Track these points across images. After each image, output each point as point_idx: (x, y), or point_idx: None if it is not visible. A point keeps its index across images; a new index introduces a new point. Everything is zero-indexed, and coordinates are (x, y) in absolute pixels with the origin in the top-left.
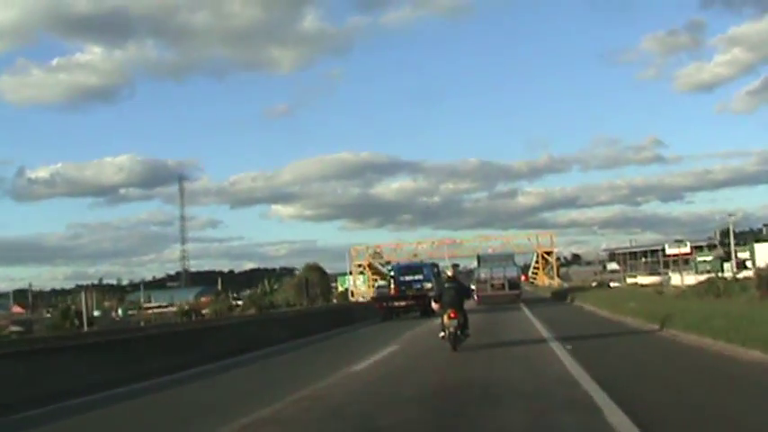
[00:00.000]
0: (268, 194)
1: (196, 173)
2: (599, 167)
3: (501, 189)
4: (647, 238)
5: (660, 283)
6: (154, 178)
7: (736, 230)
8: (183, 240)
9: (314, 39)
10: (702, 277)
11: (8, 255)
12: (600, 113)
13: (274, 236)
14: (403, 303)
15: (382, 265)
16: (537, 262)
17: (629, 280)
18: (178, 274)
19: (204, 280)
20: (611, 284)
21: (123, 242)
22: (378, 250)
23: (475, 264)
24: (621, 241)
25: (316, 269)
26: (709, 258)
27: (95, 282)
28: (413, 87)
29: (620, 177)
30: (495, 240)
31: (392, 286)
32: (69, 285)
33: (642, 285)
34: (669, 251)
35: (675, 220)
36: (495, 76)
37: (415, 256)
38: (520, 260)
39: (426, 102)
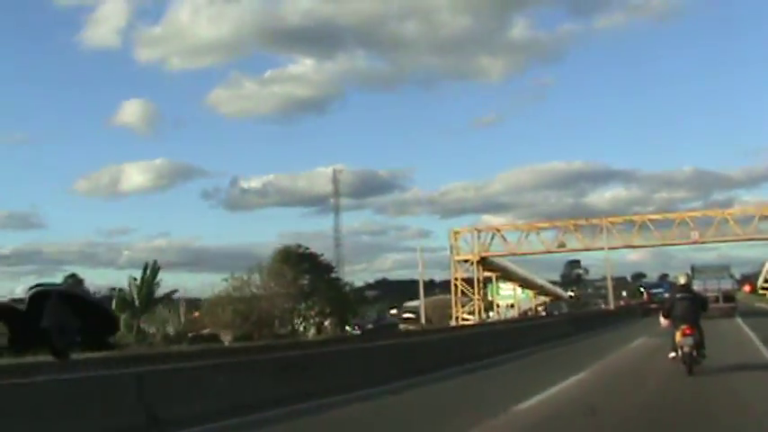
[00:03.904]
0: (479, 204)
1: (407, 183)
2: None
3: (717, 198)
4: None
5: None
6: (365, 188)
7: None
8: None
9: (524, 47)
10: None
11: (222, 263)
12: None
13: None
14: (653, 306)
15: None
16: None
17: None
18: (377, 282)
19: (402, 289)
20: None
21: (333, 252)
22: (501, 233)
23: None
24: None
25: (299, 258)
26: None
27: None
28: (625, 94)
29: None
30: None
31: (645, 296)
32: None
33: None
34: None
35: None
36: (708, 79)
37: (560, 246)
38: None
39: (639, 108)
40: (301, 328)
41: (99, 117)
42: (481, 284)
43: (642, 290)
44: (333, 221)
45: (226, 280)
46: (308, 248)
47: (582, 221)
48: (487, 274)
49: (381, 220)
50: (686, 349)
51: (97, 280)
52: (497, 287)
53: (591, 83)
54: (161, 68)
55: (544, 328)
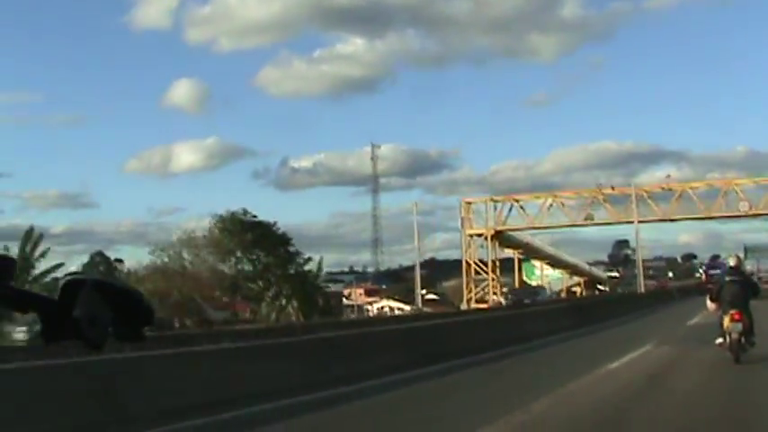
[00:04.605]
0: (529, 184)
1: (457, 162)
2: None
3: None
4: None
5: None
6: (415, 167)
7: None
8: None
9: (574, 25)
10: None
11: None
12: None
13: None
14: (710, 287)
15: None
16: None
17: None
18: (426, 262)
19: (449, 269)
20: None
21: (384, 231)
22: (519, 203)
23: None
24: None
25: (243, 227)
26: None
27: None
28: (676, 74)
29: None
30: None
31: (704, 276)
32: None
33: None
34: None
35: None
36: (762, 58)
37: (587, 219)
38: None
39: (690, 88)
40: (249, 314)
41: (150, 97)
42: (497, 263)
43: (701, 270)
44: (382, 201)
45: (152, 252)
46: (255, 216)
47: (608, 190)
48: (509, 252)
49: (431, 200)
50: (734, 336)
51: (146, 258)
52: (532, 266)
53: (642, 62)
54: (211, 48)
55: (515, 322)
